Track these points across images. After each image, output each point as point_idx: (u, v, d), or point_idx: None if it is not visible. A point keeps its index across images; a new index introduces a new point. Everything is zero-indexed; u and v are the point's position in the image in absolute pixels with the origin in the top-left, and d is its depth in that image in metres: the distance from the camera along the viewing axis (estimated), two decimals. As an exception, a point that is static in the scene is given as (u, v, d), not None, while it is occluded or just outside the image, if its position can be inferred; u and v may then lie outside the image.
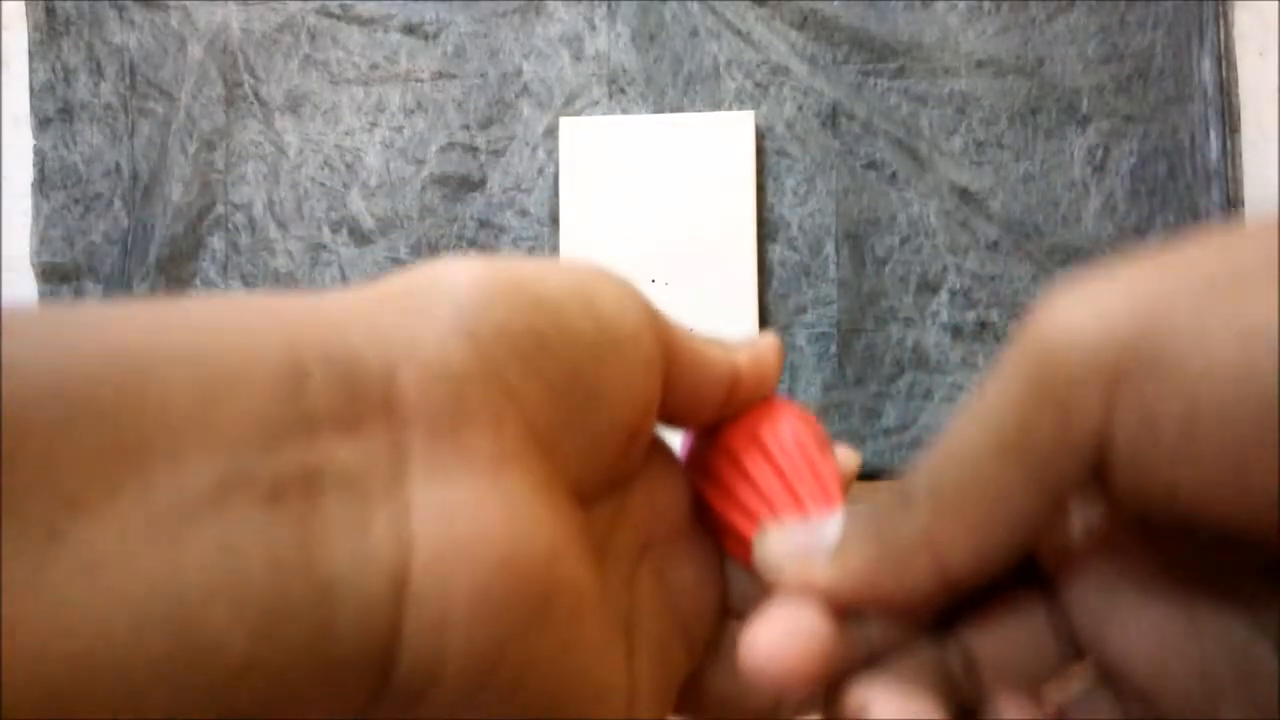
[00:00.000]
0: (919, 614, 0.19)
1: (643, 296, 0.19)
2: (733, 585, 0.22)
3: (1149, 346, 0.15)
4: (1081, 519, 0.19)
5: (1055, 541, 0.19)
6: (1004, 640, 0.19)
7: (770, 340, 0.22)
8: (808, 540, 0.19)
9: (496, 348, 0.16)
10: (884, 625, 0.19)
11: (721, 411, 0.21)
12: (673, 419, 0.21)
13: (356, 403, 0.14)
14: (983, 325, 1.15)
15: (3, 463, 0.11)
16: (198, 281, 1.23)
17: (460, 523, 0.14)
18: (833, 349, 1.16)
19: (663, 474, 0.21)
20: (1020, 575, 0.19)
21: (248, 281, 1.22)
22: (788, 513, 0.20)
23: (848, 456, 0.24)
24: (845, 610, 0.18)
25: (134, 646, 0.12)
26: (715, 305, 1.14)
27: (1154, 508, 0.16)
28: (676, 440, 0.22)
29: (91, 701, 0.11)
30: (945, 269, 1.16)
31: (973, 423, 0.17)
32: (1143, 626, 0.18)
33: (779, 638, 0.17)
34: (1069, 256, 1.14)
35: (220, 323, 0.14)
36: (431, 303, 0.16)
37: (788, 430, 0.21)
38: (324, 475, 0.14)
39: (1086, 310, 0.16)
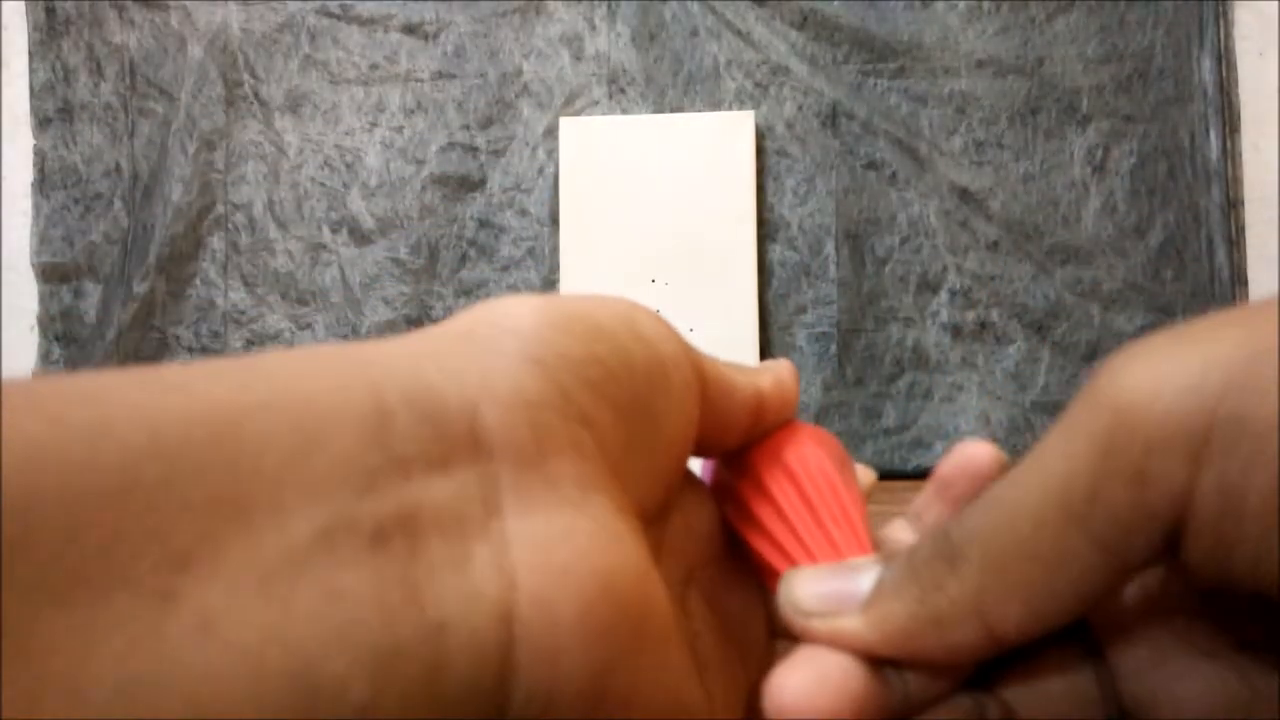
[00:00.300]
0: (959, 669, 0.18)
1: (672, 327, 0.19)
2: (775, 607, 0.22)
3: (1236, 413, 0.14)
4: (1135, 576, 0.18)
5: (1106, 598, 0.18)
6: (1047, 698, 0.18)
7: (787, 364, 0.22)
8: (840, 587, 0.18)
9: (566, 375, 0.16)
10: (921, 676, 0.18)
11: (747, 436, 0.21)
12: (701, 445, 0.20)
13: (443, 441, 0.14)
14: (983, 325, 1.15)
15: (112, 528, 0.11)
16: (198, 281, 1.23)
17: (559, 551, 0.14)
18: (833, 349, 1.16)
19: (695, 501, 0.21)
20: (1066, 630, 0.18)
21: (248, 281, 1.22)
22: (813, 539, 0.20)
23: (865, 474, 0.23)
24: (879, 661, 0.17)
25: (256, 700, 0.12)
26: (715, 305, 1.14)
27: (1228, 582, 0.15)
28: (696, 466, 0.22)
29: None
30: (945, 269, 1.16)
31: (1035, 483, 0.16)
32: (1194, 690, 0.17)
33: (810, 684, 0.16)
34: (1069, 256, 1.14)
35: (301, 373, 0.14)
36: (497, 337, 0.16)
37: (811, 454, 0.21)
38: (422, 515, 0.14)
39: (1169, 371, 0.15)
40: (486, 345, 0.16)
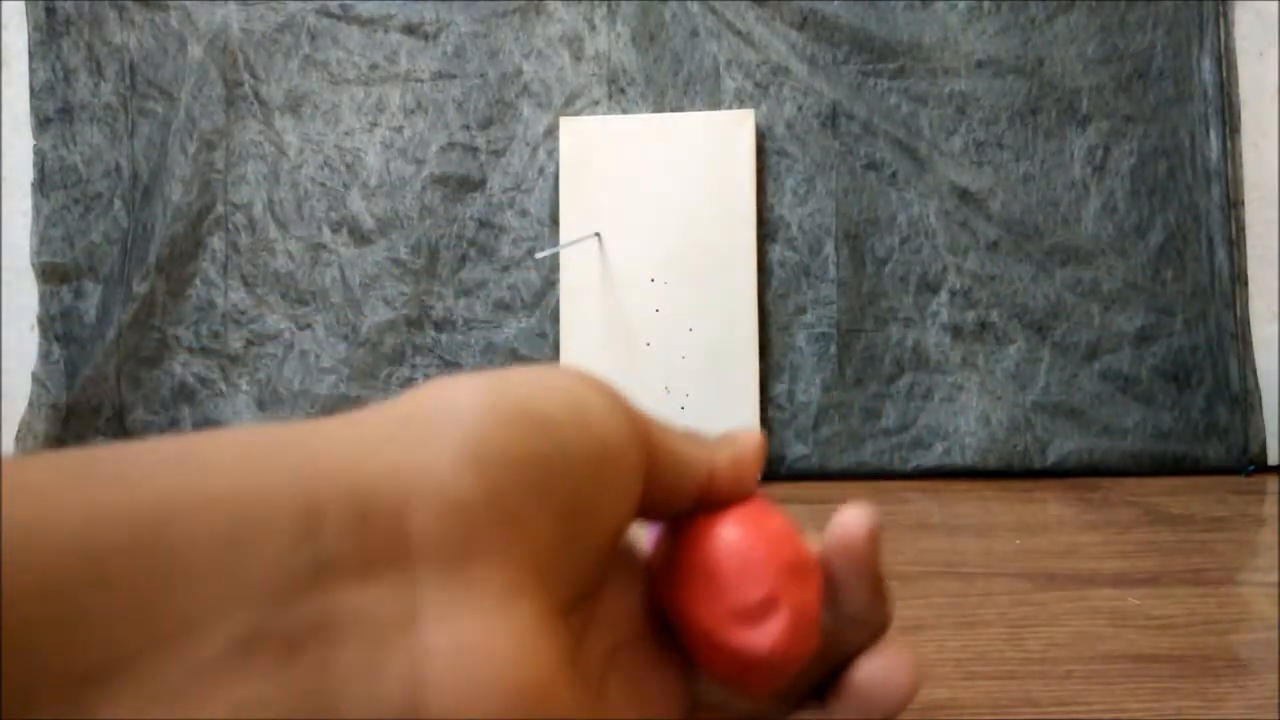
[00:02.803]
0: None
1: (626, 402, 0.19)
2: (695, 683, 0.21)
3: None
4: None
5: None
6: None
7: (752, 439, 0.22)
8: None
9: (503, 476, 0.16)
10: None
11: (694, 506, 0.21)
12: (646, 513, 0.20)
13: (370, 543, 0.14)
14: (983, 325, 1.16)
15: (33, 636, 0.11)
16: (198, 281, 1.23)
17: (471, 664, 0.14)
18: (833, 349, 1.16)
19: (627, 576, 0.21)
20: None
21: (248, 281, 1.22)
22: (743, 613, 0.19)
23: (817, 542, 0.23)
24: None
25: None
26: (715, 305, 1.14)
27: None
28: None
29: None
30: (945, 269, 1.16)
31: None
32: None
33: None
34: (1069, 256, 1.14)
35: (236, 464, 0.14)
36: (439, 429, 0.16)
37: (754, 533, 0.20)
38: (339, 623, 0.14)
39: None
40: (427, 436, 0.16)
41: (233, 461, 0.14)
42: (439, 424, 0.16)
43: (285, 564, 0.14)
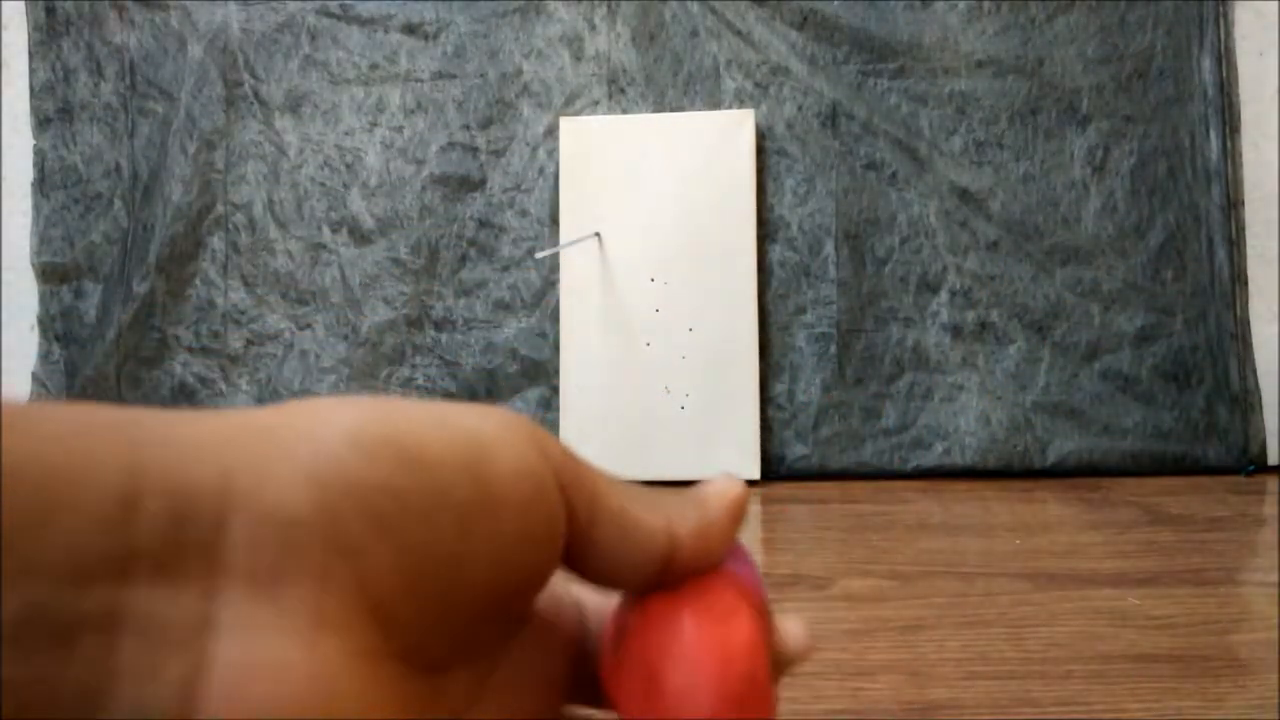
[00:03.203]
0: None
1: (562, 459, 0.18)
2: None
3: None
4: None
5: None
6: None
7: (727, 497, 0.20)
8: None
9: (344, 502, 0.15)
10: None
11: (655, 581, 0.19)
12: (599, 582, 0.19)
13: (180, 544, 0.14)
14: (983, 325, 1.16)
15: None
16: (198, 281, 1.23)
17: (257, 685, 0.14)
18: (833, 349, 1.16)
19: (545, 647, 0.20)
20: None
21: (248, 281, 1.22)
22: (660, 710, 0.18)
23: (796, 636, 0.21)
24: None
25: None
26: (715, 305, 1.14)
27: None
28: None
29: None
30: (945, 269, 1.16)
31: None
32: None
33: None
34: (1069, 256, 1.15)
35: (65, 437, 0.14)
36: (288, 445, 0.15)
37: (710, 642, 0.18)
38: (127, 618, 0.13)
39: None
40: (273, 450, 0.15)
41: (58, 433, 0.14)
42: (291, 440, 0.15)
43: (88, 546, 0.13)
